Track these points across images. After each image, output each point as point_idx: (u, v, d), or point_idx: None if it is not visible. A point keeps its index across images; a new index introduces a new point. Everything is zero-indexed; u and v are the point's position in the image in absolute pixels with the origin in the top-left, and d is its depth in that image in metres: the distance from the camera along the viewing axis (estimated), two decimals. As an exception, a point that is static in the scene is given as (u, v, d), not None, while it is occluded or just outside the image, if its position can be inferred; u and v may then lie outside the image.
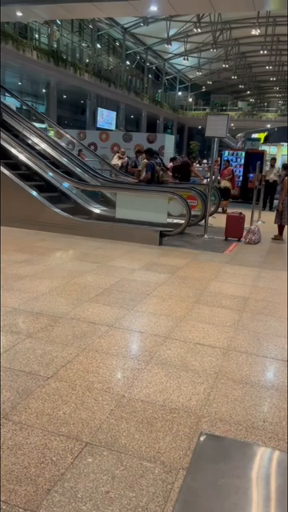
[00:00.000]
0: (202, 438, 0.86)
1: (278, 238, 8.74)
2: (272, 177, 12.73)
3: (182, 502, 0.75)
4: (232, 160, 15.23)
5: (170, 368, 3.12)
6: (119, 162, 13.34)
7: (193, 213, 8.73)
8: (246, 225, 8.68)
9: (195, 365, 3.21)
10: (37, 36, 23.10)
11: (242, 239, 8.30)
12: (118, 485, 1.97)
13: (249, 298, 4.90)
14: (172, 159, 12.60)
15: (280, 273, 6.16)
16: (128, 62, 36.26)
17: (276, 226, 8.85)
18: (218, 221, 10.06)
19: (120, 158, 13.68)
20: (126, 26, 31.75)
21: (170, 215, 8.26)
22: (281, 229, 8.78)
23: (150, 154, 9.91)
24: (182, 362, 3.23)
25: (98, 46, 31.89)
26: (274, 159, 14.74)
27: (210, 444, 0.85)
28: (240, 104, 48.63)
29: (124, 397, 2.71)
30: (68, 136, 13.20)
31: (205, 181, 10.69)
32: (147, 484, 1.97)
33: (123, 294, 4.72)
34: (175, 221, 8.27)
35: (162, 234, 7.55)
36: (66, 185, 9.06)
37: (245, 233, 8.34)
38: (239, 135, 28.58)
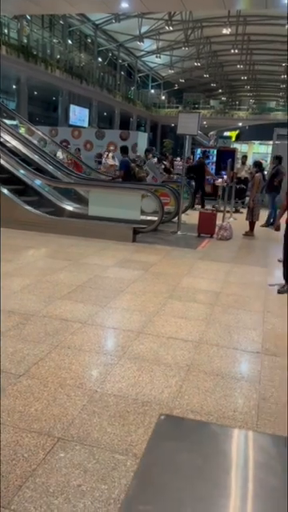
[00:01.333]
0: (160, 419, 0.88)
1: (249, 234, 8.91)
2: (243, 174, 12.94)
3: (138, 478, 0.78)
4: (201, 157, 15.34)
5: (142, 362, 3.15)
6: (116, 163, 13.15)
7: (166, 210, 8.78)
8: (218, 221, 8.80)
9: (167, 358, 3.25)
10: (6, 31, 22.62)
11: (215, 235, 8.41)
12: (90, 478, 1.98)
13: (220, 293, 4.99)
14: (147, 150, 12.60)
15: (251, 268, 6.29)
16: (100, 59, 36.04)
17: (247, 222, 9.01)
18: (191, 218, 10.15)
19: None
20: (97, 22, 31.52)
21: (143, 212, 8.29)
22: (252, 225, 8.94)
23: (125, 151, 10.03)
24: (155, 356, 3.26)
25: (70, 42, 31.55)
26: (245, 157, 14.99)
27: (168, 424, 0.88)
28: (212, 102, 49.11)
29: (96, 392, 2.72)
30: (39, 133, 13.03)
31: (219, 180, 10.82)
32: (119, 476, 2.00)
33: (96, 291, 4.72)
34: (149, 218, 8.30)
35: (136, 231, 7.57)
36: (38, 182, 8.95)
37: (217, 229, 8.46)
38: (211, 133, 28.86)
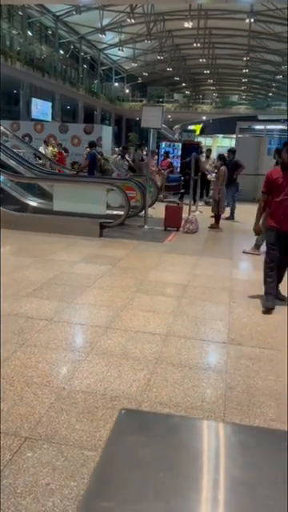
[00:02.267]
0: (121, 414, 0.88)
1: (215, 226, 9.03)
2: (208, 167, 13.06)
3: (97, 475, 0.77)
4: (169, 151, 15.43)
5: (110, 357, 3.14)
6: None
7: (132, 204, 8.77)
8: (184, 215, 8.86)
9: (136, 352, 3.25)
10: None
11: (181, 229, 8.48)
12: (58, 476, 1.96)
13: (187, 285, 5.03)
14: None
15: (216, 260, 6.38)
16: (62, 52, 35.38)
17: (213, 214, 9.13)
18: (158, 211, 10.18)
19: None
20: (57, 13, 30.88)
21: (109, 207, 8.24)
22: (217, 218, 9.06)
23: (92, 145, 10.16)
24: (123, 351, 3.26)
25: (30, 33, 30.78)
26: (209, 150, 15.15)
27: (129, 418, 0.88)
28: (176, 96, 49.33)
29: (64, 389, 2.69)
30: (1, 127, 12.67)
31: (213, 175, 10.86)
32: (88, 472, 1.99)
33: (63, 288, 4.66)
34: (115, 212, 8.26)
35: (102, 226, 7.52)
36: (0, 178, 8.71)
37: (183, 223, 8.52)
38: (176, 127, 28.99)
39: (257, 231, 4.66)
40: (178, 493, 0.72)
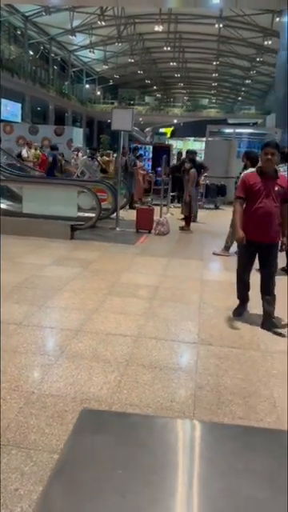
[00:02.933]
0: (82, 413, 0.89)
1: (186, 228, 9.12)
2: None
3: (55, 475, 0.77)
4: (142, 154, 15.47)
5: (81, 360, 3.13)
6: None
7: (103, 206, 8.75)
8: (156, 217, 8.91)
9: (106, 355, 3.25)
10: None
11: (152, 231, 8.52)
12: (27, 481, 1.94)
13: (159, 287, 5.07)
14: (76, 149, 12.48)
15: (187, 261, 6.45)
16: (31, 52, 34.94)
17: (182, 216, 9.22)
18: (129, 214, 10.20)
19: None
20: (27, 14, 30.51)
21: (80, 209, 8.19)
22: (188, 220, 9.16)
23: (54, 148, 10.21)
24: (93, 354, 3.26)
25: (-2, 33, 30.26)
26: (180, 153, 15.26)
27: (90, 418, 0.88)
28: (147, 99, 49.62)
29: (33, 393, 2.66)
30: None
31: (202, 178, 10.88)
32: (58, 476, 1.97)
33: (33, 291, 4.60)
34: (86, 214, 8.21)
35: (73, 228, 7.47)
36: None
37: (154, 225, 8.57)
38: (147, 129, 29.12)
39: (241, 239, 3.82)
40: (135, 488, 0.74)
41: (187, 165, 9.19)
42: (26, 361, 3.08)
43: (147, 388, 2.82)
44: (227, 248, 6.87)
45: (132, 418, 1.06)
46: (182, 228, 9.12)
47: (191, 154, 10.53)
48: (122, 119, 8.19)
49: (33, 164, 12.81)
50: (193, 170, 9.05)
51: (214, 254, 6.97)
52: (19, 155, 12.78)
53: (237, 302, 4.24)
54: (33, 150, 12.93)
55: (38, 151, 13.31)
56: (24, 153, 13.12)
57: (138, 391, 2.77)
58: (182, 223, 9.23)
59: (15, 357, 3.11)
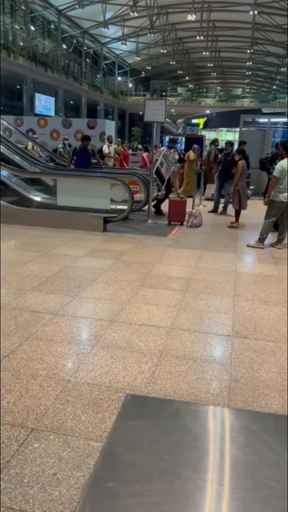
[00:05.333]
0: (126, 399, 0.89)
1: (235, 224, 8.49)
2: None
3: (104, 456, 0.78)
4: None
5: (115, 350, 3.16)
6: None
7: (136, 198, 8.76)
8: (188, 209, 8.85)
9: (140, 345, 3.27)
10: None
11: (185, 223, 8.46)
12: (65, 466, 1.98)
13: (191, 279, 5.04)
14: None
15: (220, 253, 6.38)
16: (64, 46, 35.25)
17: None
18: (162, 206, 10.17)
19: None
20: (60, 7, 30.76)
21: (113, 201, 8.23)
22: (237, 214, 8.55)
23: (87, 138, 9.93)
24: (128, 344, 3.28)
25: (32, 28, 30.67)
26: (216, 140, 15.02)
27: (134, 403, 0.89)
28: (179, 90, 49.12)
29: (70, 381, 2.72)
30: (4, 122, 12.68)
31: None
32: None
33: (67, 282, 4.68)
34: (119, 207, 8.25)
35: (106, 220, 7.53)
36: (4, 173, 8.73)
37: (187, 217, 8.51)
38: (179, 121, 28.87)
39: None
40: (181, 474, 0.74)
41: (237, 157, 8.66)
42: (62, 349, 3.14)
43: (181, 379, 2.81)
44: (261, 240, 6.74)
45: (175, 405, 1.05)
46: (231, 225, 8.50)
47: (231, 145, 10.29)
48: (154, 111, 8.14)
49: (114, 160, 12.75)
50: (241, 162, 8.36)
51: (248, 246, 6.85)
52: (100, 151, 12.76)
53: (272, 296, 4.16)
54: (114, 146, 12.82)
55: (120, 146, 13.17)
56: (105, 148, 13.13)
57: (173, 382, 2.77)
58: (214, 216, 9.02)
59: (51, 345, 3.18)
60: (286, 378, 2.89)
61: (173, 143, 10.57)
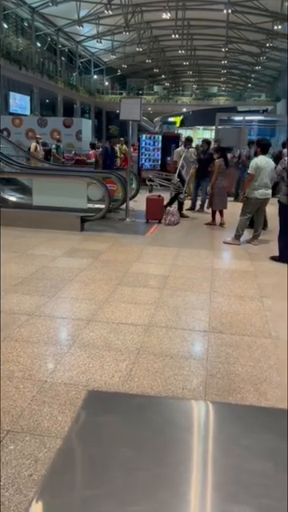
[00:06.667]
0: (88, 395, 0.90)
1: (212, 223, 8.45)
2: (174, 158, 12.93)
3: (61, 451, 0.79)
4: (149, 144, 15.39)
5: (92, 349, 3.16)
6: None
7: (113, 197, 8.75)
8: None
9: (118, 343, 3.28)
10: None
11: (162, 221, 8.49)
12: (41, 467, 1.98)
13: (169, 276, 5.07)
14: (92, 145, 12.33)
15: (197, 251, 6.43)
16: (39, 44, 34.82)
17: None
18: (139, 204, 10.19)
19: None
20: (33, 5, 30.35)
21: (90, 200, 8.20)
22: (213, 214, 8.50)
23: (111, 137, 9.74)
24: (105, 343, 3.28)
25: (5, 25, 30.18)
26: (189, 140, 15.13)
27: (96, 399, 0.90)
28: (156, 88, 49.16)
29: (46, 382, 2.70)
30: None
31: None
32: (71, 462, 2.01)
33: (44, 282, 4.64)
34: (96, 206, 8.22)
35: (83, 220, 7.49)
36: (-22, 173, 8.59)
37: (164, 215, 8.53)
38: (156, 119, 28.95)
39: None
40: (141, 466, 0.75)
41: (215, 155, 8.58)
42: (39, 350, 3.12)
43: (158, 376, 2.83)
44: (238, 237, 6.83)
45: (136, 399, 1.07)
46: (208, 223, 8.46)
47: (207, 143, 10.26)
48: (130, 109, 8.15)
49: (119, 160, 12.67)
50: (218, 161, 8.27)
51: (224, 242, 6.94)
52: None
53: (247, 291, 4.23)
54: (118, 145, 12.80)
55: (125, 146, 13.11)
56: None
57: (150, 379, 2.79)
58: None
59: (27, 346, 3.15)
60: (261, 371, 2.95)
61: (189, 143, 10.04)
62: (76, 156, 15.29)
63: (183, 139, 16.08)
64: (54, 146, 13.71)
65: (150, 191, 10.77)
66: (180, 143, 14.69)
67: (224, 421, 0.92)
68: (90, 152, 14.99)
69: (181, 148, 9.86)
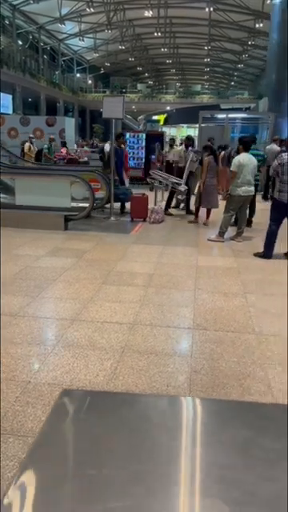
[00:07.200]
0: (62, 394, 0.89)
1: (194, 221, 8.41)
2: (171, 157, 13.03)
3: (34, 450, 0.79)
4: (134, 142, 15.35)
5: (76, 349, 3.15)
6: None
7: (97, 196, 8.71)
8: (150, 205, 8.87)
9: (102, 342, 3.27)
10: None
11: (147, 219, 8.48)
12: (24, 468, 1.96)
13: (154, 274, 5.08)
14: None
15: (182, 248, 6.46)
16: (20, 42, 34.45)
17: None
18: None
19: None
20: (14, 2, 30.02)
21: (74, 199, 8.15)
22: (197, 211, 8.42)
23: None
24: (89, 342, 3.27)
25: (-14, 23, 29.81)
26: (172, 139, 15.17)
27: (70, 398, 0.89)
28: (139, 86, 49.12)
29: (30, 383, 2.68)
30: None
31: None
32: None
33: (27, 282, 4.60)
34: (80, 205, 8.18)
35: (67, 219, 7.44)
36: None
37: (149, 213, 8.53)
38: (140, 117, 28.89)
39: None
40: (110, 463, 0.75)
41: (205, 153, 8.50)
42: (22, 351, 3.09)
43: (143, 374, 2.84)
44: (221, 234, 6.88)
45: (111, 397, 1.07)
46: (191, 221, 8.43)
47: (189, 139, 10.18)
48: (112, 107, 8.11)
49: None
50: (207, 158, 8.13)
51: (208, 240, 6.97)
52: (102, 150, 12.51)
53: (231, 287, 4.26)
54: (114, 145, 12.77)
55: (123, 146, 13.08)
56: (107, 147, 12.93)
57: (134, 377, 2.79)
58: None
59: (11, 347, 3.12)
60: (245, 366, 2.97)
61: (189, 142, 9.74)
62: (68, 155, 15.26)
63: (167, 137, 16.16)
64: (45, 145, 13.65)
65: (151, 190, 10.69)
66: (163, 141, 14.74)
67: (199, 415, 0.93)
68: (62, 150, 14.93)
69: (181, 148, 9.76)
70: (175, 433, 0.83)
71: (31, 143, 13.58)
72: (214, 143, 12.30)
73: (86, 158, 14.90)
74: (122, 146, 9.69)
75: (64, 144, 15.33)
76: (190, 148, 9.39)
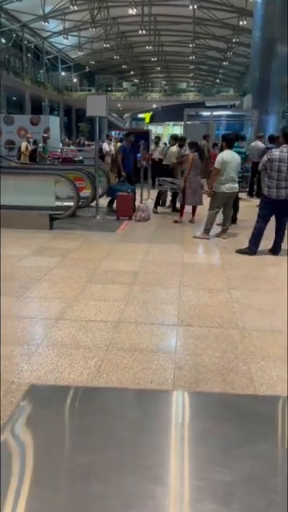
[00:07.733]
0: (29, 389, 0.90)
1: (179, 220, 8.26)
2: (157, 155, 13.03)
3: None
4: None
5: (61, 348, 3.14)
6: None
7: (82, 194, 8.68)
8: (136, 203, 8.88)
9: (87, 341, 3.27)
10: None
11: (133, 217, 8.48)
12: (6, 468, 1.95)
13: (139, 272, 5.08)
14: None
15: (167, 246, 6.47)
16: (3, 40, 34.08)
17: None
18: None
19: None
20: (-4, 0, 29.68)
21: (58, 198, 8.10)
22: (181, 210, 8.36)
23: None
24: (74, 341, 3.27)
25: None
26: (158, 137, 15.18)
27: (38, 393, 0.90)
28: (125, 84, 49.01)
29: (13, 382, 2.67)
30: None
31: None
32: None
33: (12, 282, 4.57)
34: (65, 203, 8.14)
35: (52, 218, 7.40)
36: None
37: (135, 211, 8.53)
38: (126, 115, 28.88)
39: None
40: (79, 458, 0.76)
41: (190, 150, 8.25)
42: (5, 351, 3.07)
43: (127, 371, 2.85)
44: (207, 231, 6.91)
45: (80, 391, 1.07)
46: (175, 221, 8.28)
47: (174, 139, 10.18)
48: (96, 105, 8.09)
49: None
50: (191, 155, 8.03)
51: (194, 237, 7.00)
52: (100, 149, 12.44)
53: (216, 284, 4.29)
54: (113, 143, 12.74)
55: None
56: (105, 146, 12.89)
57: (118, 374, 2.80)
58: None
59: (-6, 348, 3.10)
60: (228, 361, 3.00)
61: (182, 142, 9.79)
62: (63, 155, 15.22)
63: (153, 135, 16.14)
64: (40, 145, 13.58)
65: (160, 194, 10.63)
66: (149, 139, 14.72)
67: (158, 407, 0.94)
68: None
69: (173, 148, 9.72)
70: (136, 425, 0.85)
71: (28, 143, 13.49)
72: (209, 140, 12.37)
73: (81, 157, 14.82)
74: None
75: (34, 142, 15.25)
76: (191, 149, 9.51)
